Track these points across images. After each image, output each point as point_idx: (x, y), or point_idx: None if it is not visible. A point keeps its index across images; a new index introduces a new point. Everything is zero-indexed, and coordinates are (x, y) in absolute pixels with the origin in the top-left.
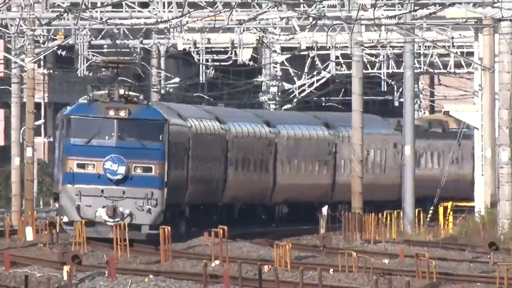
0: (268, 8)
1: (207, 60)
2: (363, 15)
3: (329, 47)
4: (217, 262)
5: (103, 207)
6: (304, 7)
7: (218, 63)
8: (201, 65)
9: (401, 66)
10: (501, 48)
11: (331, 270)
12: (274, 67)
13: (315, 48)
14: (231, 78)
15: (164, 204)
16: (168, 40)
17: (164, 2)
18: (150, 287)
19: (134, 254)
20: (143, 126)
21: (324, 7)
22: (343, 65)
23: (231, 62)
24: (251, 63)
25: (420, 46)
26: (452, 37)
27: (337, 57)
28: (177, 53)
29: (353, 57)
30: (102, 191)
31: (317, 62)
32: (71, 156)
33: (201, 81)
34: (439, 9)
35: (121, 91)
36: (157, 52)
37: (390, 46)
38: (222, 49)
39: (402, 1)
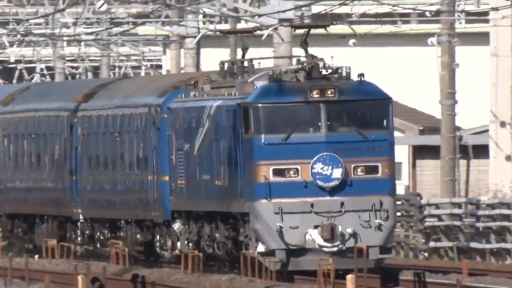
0: None
1: None
2: (65, 32)
3: (35, 60)
4: None
5: (315, 227)
6: (13, 25)
7: None
8: None
9: (99, 76)
10: (186, 61)
11: (36, 256)
12: None
13: (23, 61)
14: None
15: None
16: None
17: None
18: None
19: None
20: (361, 109)
21: (30, 25)
22: (47, 76)
23: None
24: None
25: (115, 59)
26: (143, 52)
27: (41, 69)
28: None
29: (56, 69)
30: (312, 205)
31: (24, 73)
32: (264, 160)
33: None
34: (132, 27)
35: (320, 64)
36: None
37: (89, 60)
38: None
39: (99, 20)
